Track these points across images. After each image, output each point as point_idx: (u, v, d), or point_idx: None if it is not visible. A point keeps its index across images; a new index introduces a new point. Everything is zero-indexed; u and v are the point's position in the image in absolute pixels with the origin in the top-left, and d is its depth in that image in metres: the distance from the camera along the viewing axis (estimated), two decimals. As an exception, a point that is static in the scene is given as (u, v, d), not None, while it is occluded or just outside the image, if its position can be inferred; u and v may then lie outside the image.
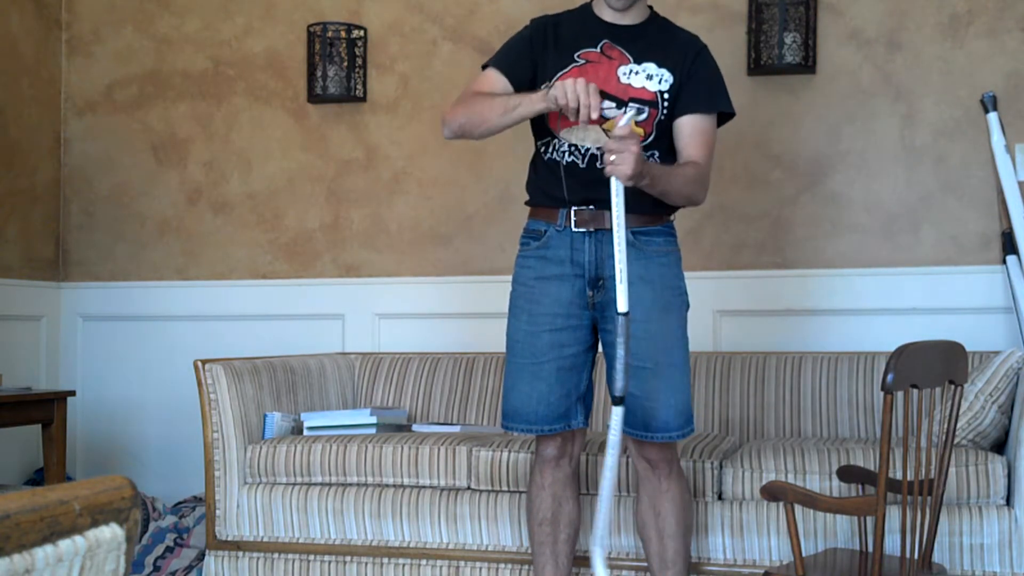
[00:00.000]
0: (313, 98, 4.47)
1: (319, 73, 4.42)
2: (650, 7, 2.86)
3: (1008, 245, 3.85)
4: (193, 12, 4.67)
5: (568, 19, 2.83)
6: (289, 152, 4.56)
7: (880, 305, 3.98)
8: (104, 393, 4.69)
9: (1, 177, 4.47)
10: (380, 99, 4.48)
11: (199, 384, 3.50)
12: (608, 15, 2.78)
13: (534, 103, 2.59)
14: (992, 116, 3.89)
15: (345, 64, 4.42)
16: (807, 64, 4.02)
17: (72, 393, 4.19)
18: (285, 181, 4.56)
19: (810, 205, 4.08)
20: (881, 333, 3.92)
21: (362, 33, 4.45)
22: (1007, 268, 3.84)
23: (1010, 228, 3.85)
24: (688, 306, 2.84)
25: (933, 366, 2.49)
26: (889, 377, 2.31)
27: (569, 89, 2.48)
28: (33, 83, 4.64)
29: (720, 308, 4.12)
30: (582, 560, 3.23)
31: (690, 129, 2.72)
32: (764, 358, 3.85)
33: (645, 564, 3.14)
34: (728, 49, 4.13)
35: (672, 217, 2.83)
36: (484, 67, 2.83)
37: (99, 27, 4.77)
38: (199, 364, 3.51)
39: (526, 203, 2.87)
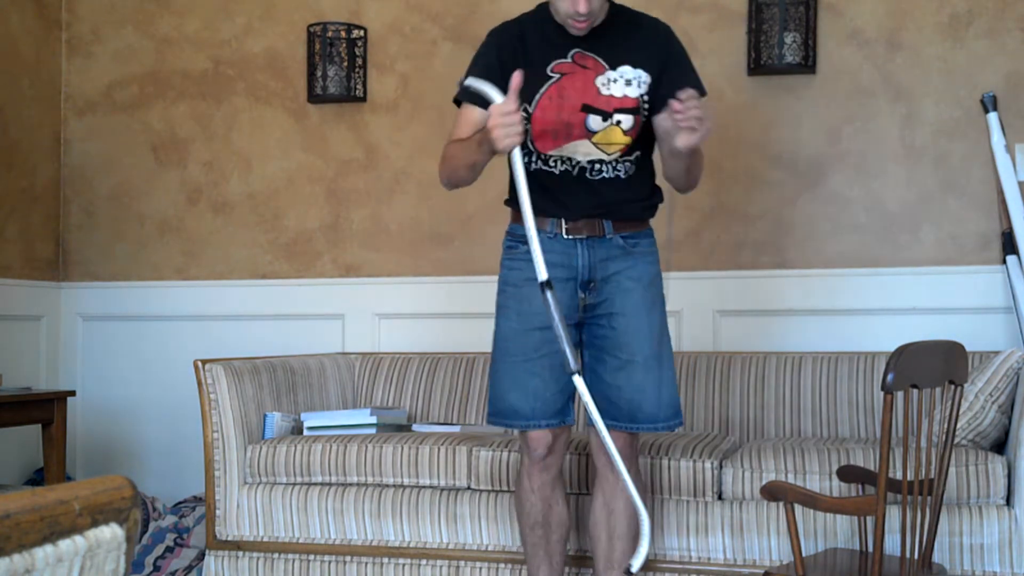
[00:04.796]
0: (313, 98, 4.47)
1: (319, 73, 4.42)
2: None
3: (1008, 245, 3.85)
4: (193, 12, 4.67)
5: (531, 26, 2.74)
6: (289, 152, 4.56)
7: (880, 305, 3.98)
8: (104, 393, 4.69)
9: (1, 177, 4.47)
10: (380, 99, 4.48)
11: (199, 384, 3.50)
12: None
13: (486, 154, 2.54)
14: (992, 116, 3.89)
15: (345, 64, 4.42)
16: (807, 64, 4.01)
17: (72, 393, 4.19)
18: (285, 181, 4.56)
19: (810, 205, 4.08)
20: (881, 333, 3.92)
21: (362, 33, 4.45)
22: (1007, 268, 3.84)
23: (1010, 228, 3.84)
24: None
25: (933, 366, 2.49)
26: (889, 377, 2.31)
27: (497, 125, 2.39)
28: (33, 83, 4.64)
29: (720, 308, 4.12)
30: (573, 560, 3.24)
31: None
32: (764, 358, 3.85)
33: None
34: (728, 49, 4.14)
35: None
36: (457, 101, 2.74)
37: (99, 27, 4.77)
38: (199, 364, 3.51)
39: (506, 202, 2.84)
